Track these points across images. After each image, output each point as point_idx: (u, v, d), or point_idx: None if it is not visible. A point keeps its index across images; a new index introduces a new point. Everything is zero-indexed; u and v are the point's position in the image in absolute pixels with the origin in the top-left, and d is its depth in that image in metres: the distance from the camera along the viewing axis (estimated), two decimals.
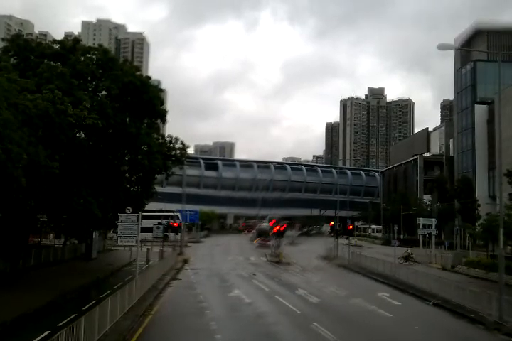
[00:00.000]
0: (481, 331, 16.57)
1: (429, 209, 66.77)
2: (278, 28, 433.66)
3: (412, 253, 43.05)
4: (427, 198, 71.97)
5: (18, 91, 19.74)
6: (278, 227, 48.25)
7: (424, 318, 18.39)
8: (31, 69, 25.70)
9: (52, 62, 27.79)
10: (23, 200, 20.77)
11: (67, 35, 30.52)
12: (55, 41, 29.53)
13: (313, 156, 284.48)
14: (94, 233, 34.90)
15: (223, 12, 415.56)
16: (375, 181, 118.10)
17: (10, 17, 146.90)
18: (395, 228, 50.25)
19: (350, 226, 53.45)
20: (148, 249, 38.71)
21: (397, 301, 21.70)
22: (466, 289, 20.22)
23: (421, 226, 47.27)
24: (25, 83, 21.22)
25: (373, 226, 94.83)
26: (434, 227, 46.72)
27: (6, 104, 17.69)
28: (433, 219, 48.04)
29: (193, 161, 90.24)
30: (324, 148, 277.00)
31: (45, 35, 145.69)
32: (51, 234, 45.03)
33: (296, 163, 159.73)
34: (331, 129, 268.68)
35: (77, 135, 25.69)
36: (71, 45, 28.81)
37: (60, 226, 29.55)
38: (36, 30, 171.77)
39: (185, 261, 38.25)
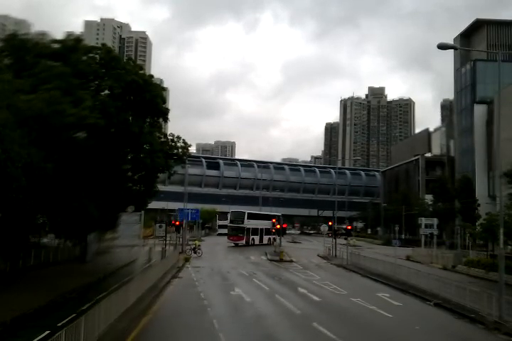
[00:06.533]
0: (481, 331, 16.59)
1: (430, 209, 66.76)
2: (278, 29, 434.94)
3: (199, 245, 44.32)
4: (428, 198, 71.99)
5: (12, 92, 19.55)
6: (279, 226, 48.26)
7: (425, 318, 18.40)
8: (27, 70, 25.41)
9: (53, 62, 27.57)
10: (22, 200, 20.73)
11: (69, 35, 30.02)
12: (55, 41, 29.33)
13: (311, 157, 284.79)
14: (88, 236, 34.46)
15: (224, 13, 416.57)
16: (376, 181, 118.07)
17: (5, 17, 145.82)
18: (396, 228, 50.25)
19: (349, 227, 53.48)
20: (150, 248, 38.79)
21: (397, 301, 21.72)
22: (466, 289, 20.22)
23: (423, 226, 47.32)
24: (20, 84, 20.98)
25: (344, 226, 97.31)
26: (435, 227, 46.76)
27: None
28: (434, 219, 48.09)
29: (195, 160, 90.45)
30: (323, 149, 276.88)
31: (43, 34, 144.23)
32: (49, 235, 44.63)
33: (294, 163, 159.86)
34: (330, 129, 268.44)
35: (78, 134, 25.55)
36: (72, 44, 28.62)
37: (57, 228, 29.33)
38: (35, 30, 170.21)
39: (187, 260, 38.44)
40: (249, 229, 60.22)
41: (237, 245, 58.59)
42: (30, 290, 21.32)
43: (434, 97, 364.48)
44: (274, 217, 65.93)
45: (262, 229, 63.12)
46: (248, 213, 60.90)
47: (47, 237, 42.35)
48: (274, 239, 62.69)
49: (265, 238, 63.47)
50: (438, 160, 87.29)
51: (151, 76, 32.63)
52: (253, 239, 61.47)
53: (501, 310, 17.19)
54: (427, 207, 68.96)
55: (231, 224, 61.59)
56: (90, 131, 24.47)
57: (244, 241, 59.14)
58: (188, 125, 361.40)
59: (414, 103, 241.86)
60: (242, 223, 59.29)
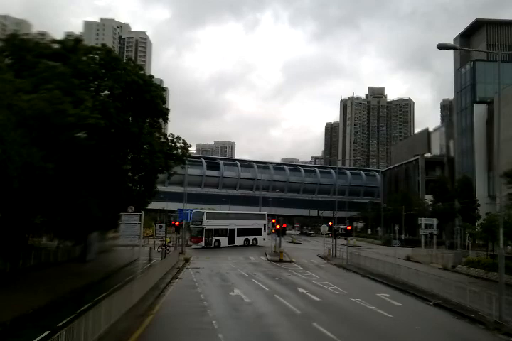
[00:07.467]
0: (481, 331, 16.58)
1: (430, 209, 66.79)
2: (279, 30, 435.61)
3: (170, 242, 44.91)
4: (428, 198, 72.04)
5: (12, 91, 19.53)
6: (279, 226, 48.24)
7: (425, 318, 18.41)
8: (27, 70, 25.44)
9: (53, 62, 27.59)
10: (23, 200, 20.72)
11: (68, 35, 30.14)
12: (55, 41, 29.38)
13: (312, 157, 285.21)
14: (89, 236, 34.40)
15: (224, 14, 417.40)
16: (376, 181, 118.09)
17: (5, 17, 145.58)
18: (396, 228, 50.33)
19: (349, 227, 53.49)
20: (150, 248, 38.82)
21: (397, 301, 21.73)
22: (466, 289, 20.23)
23: (423, 226, 47.38)
24: (20, 83, 20.97)
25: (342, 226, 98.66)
26: (435, 227, 46.83)
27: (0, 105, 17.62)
28: (434, 219, 48.17)
29: (195, 160, 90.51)
30: (323, 149, 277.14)
31: (43, 34, 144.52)
32: (48, 235, 44.58)
33: (294, 163, 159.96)
34: (330, 130, 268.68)
35: (79, 135, 25.60)
36: (72, 44, 28.66)
37: (57, 228, 29.33)
38: (35, 30, 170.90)
39: (187, 260, 38.47)
40: (210, 229, 55.58)
41: (205, 247, 54.57)
42: (30, 290, 21.31)
43: (434, 97, 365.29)
44: (257, 215, 64.87)
45: (232, 230, 58.70)
46: (207, 213, 57.28)
47: (46, 237, 42.37)
48: (255, 240, 61.32)
49: (239, 239, 59.42)
50: (438, 161, 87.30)
51: (151, 76, 32.69)
52: (218, 240, 56.56)
53: (501, 310, 17.20)
54: (426, 207, 68.98)
55: (191, 226, 57.79)
56: (91, 132, 24.51)
57: (203, 243, 55.07)
58: (188, 125, 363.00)
59: (414, 103, 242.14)
60: (201, 224, 55.29)
